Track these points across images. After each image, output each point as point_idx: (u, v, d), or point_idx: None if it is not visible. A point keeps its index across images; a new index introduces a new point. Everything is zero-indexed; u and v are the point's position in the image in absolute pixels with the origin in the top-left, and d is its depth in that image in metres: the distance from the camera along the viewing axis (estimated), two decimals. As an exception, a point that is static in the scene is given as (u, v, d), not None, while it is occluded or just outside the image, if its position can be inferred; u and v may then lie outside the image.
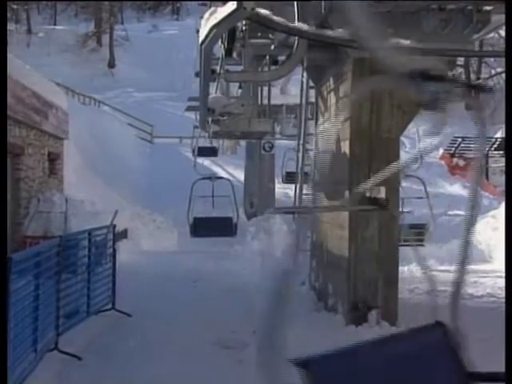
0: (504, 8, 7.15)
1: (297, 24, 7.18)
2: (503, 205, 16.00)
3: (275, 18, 6.60)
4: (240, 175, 25.30)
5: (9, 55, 9.04)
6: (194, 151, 21.29)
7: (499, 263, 13.82)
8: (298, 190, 14.05)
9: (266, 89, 15.57)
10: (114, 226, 10.46)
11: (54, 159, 19.00)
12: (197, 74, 12.88)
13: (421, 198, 14.82)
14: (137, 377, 6.83)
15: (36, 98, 16.36)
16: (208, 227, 15.32)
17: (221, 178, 17.44)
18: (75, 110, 22.92)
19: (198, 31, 8.42)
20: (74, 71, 42.24)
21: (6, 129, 10.38)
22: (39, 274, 6.82)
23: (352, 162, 9.03)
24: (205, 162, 25.04)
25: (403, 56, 1.97)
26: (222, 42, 10.27)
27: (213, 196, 16.60)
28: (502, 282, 11.52)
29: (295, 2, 8.11)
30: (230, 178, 25.05)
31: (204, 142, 21.09)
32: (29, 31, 48.73)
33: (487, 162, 32.54)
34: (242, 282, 13.14)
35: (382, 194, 8.89)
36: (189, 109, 23.75)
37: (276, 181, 24.69)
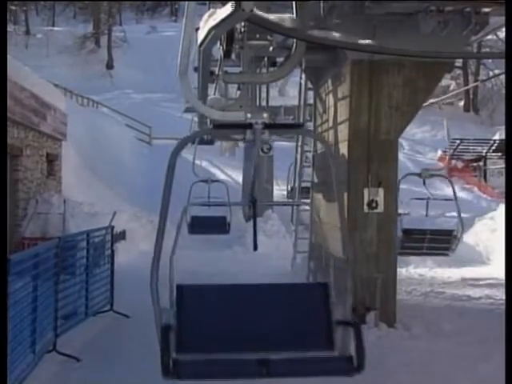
0: (503, 10, 7.18)
1: (295, 26, 7.17)
2: (501, 206, 16.02)
3: (274, 19, 6.60)
4: (238, 177, 25.29)
5: (7, 56, 9.01)
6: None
7: (497, 265, 13.83)
8: (297, 191, 14.08)
9: (264, 90, 15.58)
10: (113, 228, 10.46)
11: (52, 160, 18.98)
12: (195, 69, 12.35)
13: (449, 200, 11.76)
14: (135, 378, 6.81)
15: (34, 100, 16.34)
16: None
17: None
18: (73, 112, 22.88)
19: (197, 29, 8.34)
20: (72, 72, 42.24)
21: (6, 130, 10.37)
22: (37, 275, 6.81)
23: (350, 163, 9.03)
24: (202, 162, 24.99)
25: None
26: (220, 44, 10.27)
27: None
28: (499, 284, 11.51)
29: (293, 3, 8.10)
30: (229, 179, 25.11)
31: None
32: (27, 32, 48.76)
33: (485, 164, 32.57)
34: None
35: (380, 195, 8.90)
36: (187, 110, 23.74)
37: (274, 182, 24.70)
